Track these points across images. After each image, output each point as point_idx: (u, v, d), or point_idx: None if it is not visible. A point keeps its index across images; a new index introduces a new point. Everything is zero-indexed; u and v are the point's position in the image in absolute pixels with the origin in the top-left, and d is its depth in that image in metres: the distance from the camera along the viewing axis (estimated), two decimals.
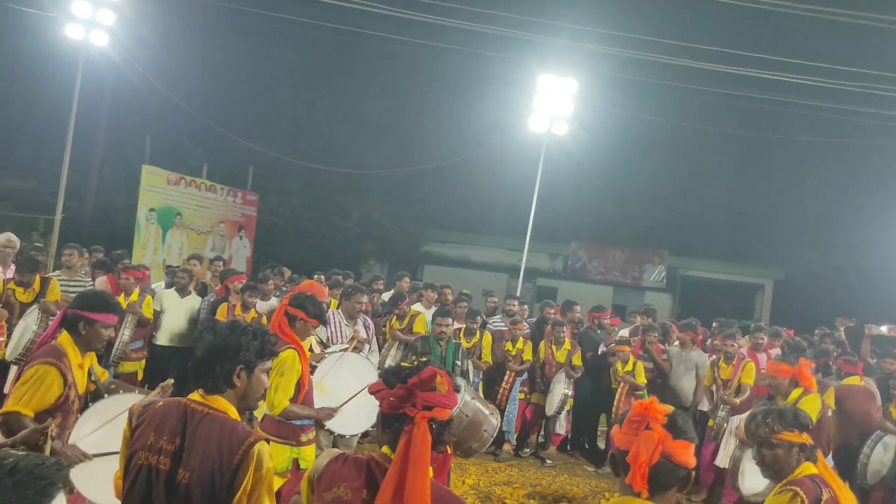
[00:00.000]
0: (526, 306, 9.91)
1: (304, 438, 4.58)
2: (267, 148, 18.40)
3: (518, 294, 11.64)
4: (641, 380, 8.14)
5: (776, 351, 8.73)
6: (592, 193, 24.00)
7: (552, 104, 14.11)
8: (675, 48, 16.50)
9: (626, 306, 18.70)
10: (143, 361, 7.86)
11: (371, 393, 2.31)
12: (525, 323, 9.16)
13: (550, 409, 8.44)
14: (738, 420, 7.36)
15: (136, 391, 4.27)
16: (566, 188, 21.33)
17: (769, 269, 25.18)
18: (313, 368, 5.10)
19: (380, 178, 21.34)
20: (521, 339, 8.61)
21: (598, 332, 9.43)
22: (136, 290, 7.66)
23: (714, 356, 8.10)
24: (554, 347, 8.62)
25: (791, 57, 15.41)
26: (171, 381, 4.10)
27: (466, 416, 5.44)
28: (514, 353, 8.49)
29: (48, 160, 16.06)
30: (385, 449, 2.26)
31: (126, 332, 7.33)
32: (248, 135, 18.26)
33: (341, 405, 4.83)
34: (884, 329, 8.51)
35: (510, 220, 19.84)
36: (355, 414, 4.88)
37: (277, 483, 4.34)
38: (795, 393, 5.42)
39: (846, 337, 9.12)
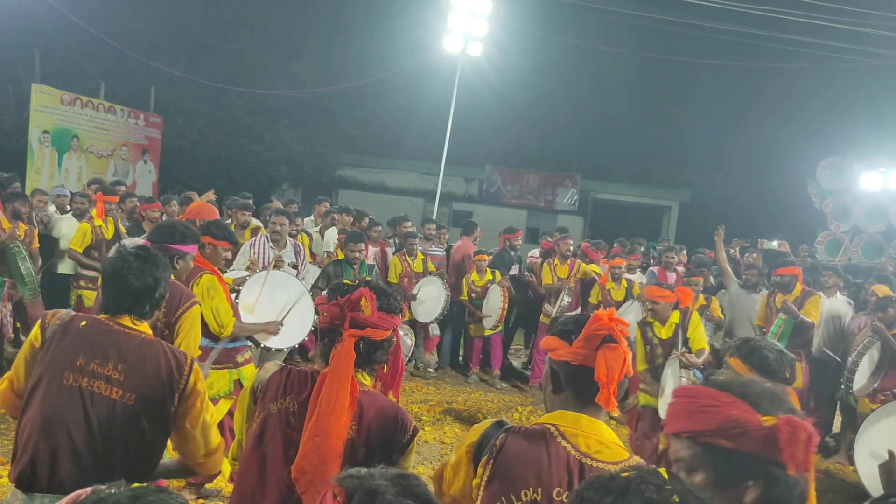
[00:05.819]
0: (446, 230, 9.95)
1: (240, 359, 4.61)
2: (170, 67, 17.43)
3: (434, 217, 11.65)
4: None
5: (682, 269, 9.20)
6: (507, 117, 23.95)
7: (466, 24, 13.84)
8: None
9: (538, 229, 19.02)
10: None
11: (317, 305, 2.41)
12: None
13: (429, 317, 8.37)
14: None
15: None
16: (481, 111, 21.20)
17: (675, 191, 26.02)
18: (237, 293, 5.04)
19: (291, 100, 20.61)
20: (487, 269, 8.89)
21: (511, 253, 9.65)
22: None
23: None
24: (409, 259, 8.74)
25: None
26: None
27: None
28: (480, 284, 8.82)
29: None
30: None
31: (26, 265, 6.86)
32: (149, 52, 17.18)
33: (283, 317, 4.86)
34: (774, 244, 9.32)
35: (425, 144, 19.66)
36: (287, 328, 4.94)
37: (226, 406, 4.43)
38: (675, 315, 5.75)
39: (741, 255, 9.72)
